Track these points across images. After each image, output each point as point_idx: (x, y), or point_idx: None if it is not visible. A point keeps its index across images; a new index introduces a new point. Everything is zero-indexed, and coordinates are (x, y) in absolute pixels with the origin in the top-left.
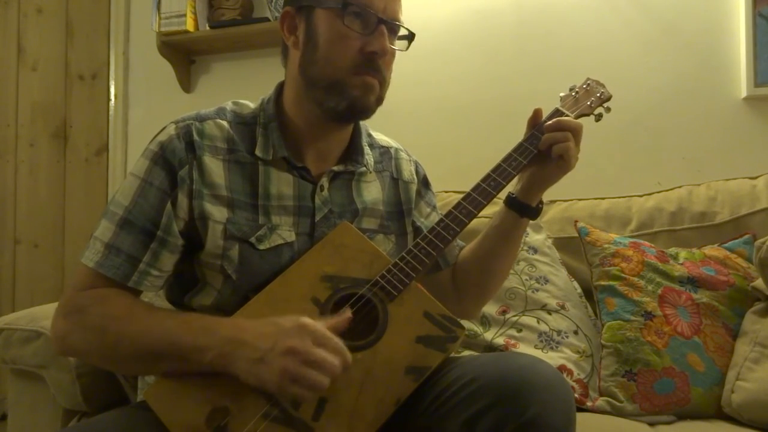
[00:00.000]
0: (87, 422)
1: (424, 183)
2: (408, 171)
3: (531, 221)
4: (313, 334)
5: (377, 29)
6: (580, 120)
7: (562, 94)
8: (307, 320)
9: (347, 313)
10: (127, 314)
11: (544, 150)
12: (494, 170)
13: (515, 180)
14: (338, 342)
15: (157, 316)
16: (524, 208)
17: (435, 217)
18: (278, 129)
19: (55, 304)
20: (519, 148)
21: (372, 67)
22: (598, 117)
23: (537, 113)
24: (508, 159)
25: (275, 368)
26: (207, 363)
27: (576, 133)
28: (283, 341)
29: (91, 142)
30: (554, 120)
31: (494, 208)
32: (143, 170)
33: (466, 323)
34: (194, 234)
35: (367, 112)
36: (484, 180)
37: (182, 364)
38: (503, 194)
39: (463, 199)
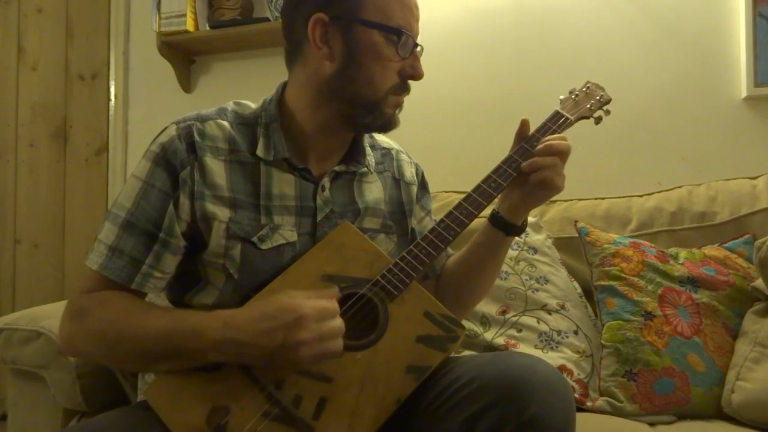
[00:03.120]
0: (87, 422)
1: (423, 186)
2: (409, 172)
3: (531, 220)
4: (314, 317)
5: (413, 53)
6: (579, 122)
7: (561, 97)
8: (302, 307)
9: (334, 290)
10: (124, 317)
11: (526, 173)
12: (495, 171)
13: (500, 196)
14: (332, 305)
15: (152, 317)
16: (509, 227)
17: (428, 222)
18: (280, 129)
19: (55, 304)
20: (520, 150)
21: (405, 88)
22: (598, 120)
23: (524, 126)
24: (508, 161)
25: (291, 359)
26: (211, 361)
27: (565, 156)
28: (291, 336)
29: (91, 142)
30: (545, 144)
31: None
32: (145, 172)
33: (466, 323)
34: (197, 234)
35: (395, 126)
36: (484, 181)
37: (185, 363)
38: (488, 211)
39: (464, 200)
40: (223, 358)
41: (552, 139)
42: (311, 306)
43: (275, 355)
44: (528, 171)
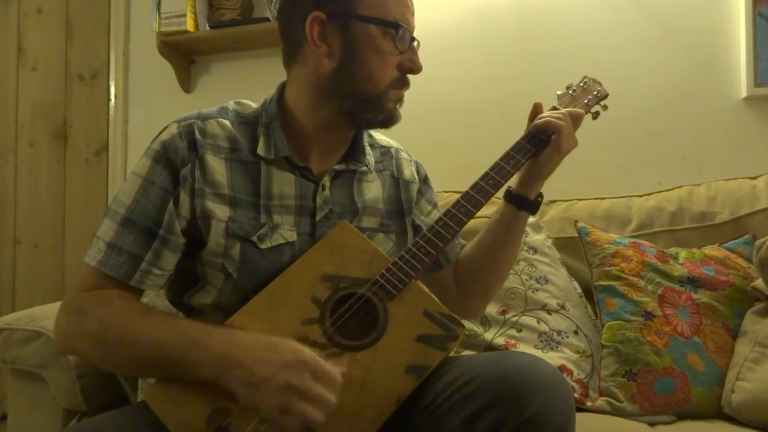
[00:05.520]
0: (87, 422)
1: (425, 182)
2: (409, 171)
3: (531, 220)
4: (313, 370)
5: (411, 46)
6: None
7: (559, 93)
8: (307, 354)
9: (343, 368)
10: (123, 321)
11: (538, 131)
12: (493, 168)
13: (514, 176)
14: (335, 375)
15: (151, 325)
16: (522, 201)
17: (436, 215)
18: (281, 128)
19: (55, 304)
20: (517, 147)
21: (405, 82)
22: (596, 115)
23: (537, 107)
24: (506, 157)
25: (271, 398)
26: (203, 377)
27: (575, 118)
28: (283, 375)
29: (91, 142)
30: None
31: (493, 207)
32: (145, 169)
33: (466, 323)
34: (196, 232)
35: (397, 121)
36: (482, 178)
37: (179, 374)
38: (502, 191)
39: (462, 197)
40: (213, 375)
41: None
42: (316, 360)
43: (259, 389)
44: (540, 125)
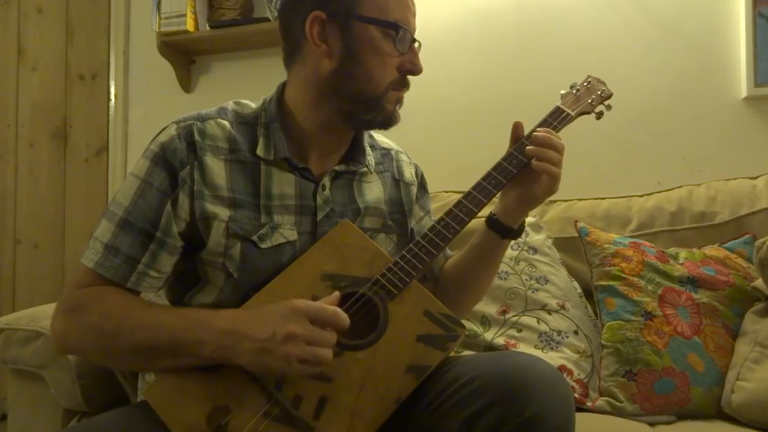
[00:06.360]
0: (87, 422)
1: (422, 186)
2: (409, 173)
3: (530, 220)
4: (308, 313)
5: (411, 48)
6: (580, 118)
7: (563, 92)
8: (298, 302)
9: (335, 294)
10: (123, 311)
11: (529, 160)
12: (495, 168)
13: (495, 199)
14: (331, 311)
15: (153, 311)
16: (505, 230)
17: (427, 222)
18: (280, 129)
19: (55, 304)
20: (519, 147)
21: (405, 83)
22: (599, 115)
23: (517, 127)
24: (508, 157)
25: (279, 355)
26: (207, 357)
27: (560, 152)
28: (282, 327)
29: (91, 142)
30: (544, 132)
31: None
32: (143, 171)
33: (466, 323)
34: (196, 234)
35: (396, 122)
36: (484, 178)
37: (182, 359)
38: (485, 212)
39: (464, 197)
40: (219, 354)
41: (548, 133)
42: (306, 303)
43: (266, 351)
44: (532, 156)
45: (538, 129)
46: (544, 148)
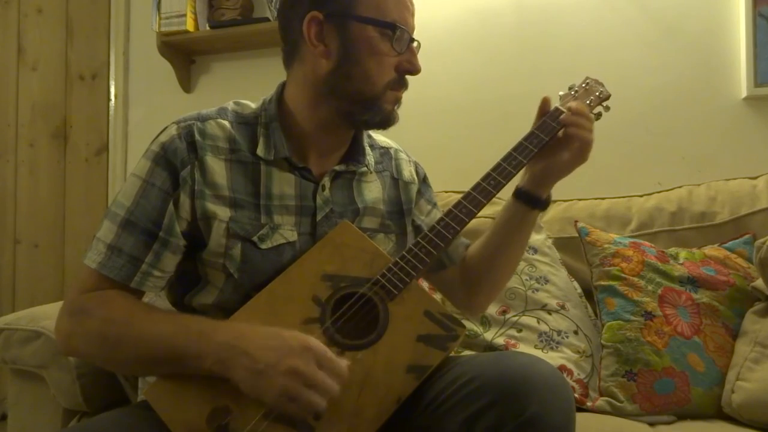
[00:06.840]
0: (87, 422)
1: (424, 182)
2: (408, 171)
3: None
4: (318, 356)
5: (409, 47)
6: None
7: (561, 93)
8: (312, 342)
9: (346, 362)
10: (126, 318)
11: (562, 136)
12: (494, 169)
13: (519, 175)
14: (340, 364)
15: (155, 320)
16: (535, 201)
17: (437, 214)
18: (280, 129)
19: (55, 304)
20: (519, 147)
21: (403, 83)
22: (598, 116)
23: (546, 101)
24: (507, 158)
25: (275, 384)
26: (207, 369)
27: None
28: (288, 360)
29: (91, 142)
30: (575, 106)
31: (494, 207)
32: (145, 171)
33: (466, 323)
34: (197, 234)
35: (395, 122)
36: (484, 179)
37: (182, 369)
38: (506, 193)
39: (464, 197)
40: (216, 366)
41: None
42: (321, 347)
43: (263, 375)
44: (568, 123)
45: (541, 135)
46: (579, 116)
